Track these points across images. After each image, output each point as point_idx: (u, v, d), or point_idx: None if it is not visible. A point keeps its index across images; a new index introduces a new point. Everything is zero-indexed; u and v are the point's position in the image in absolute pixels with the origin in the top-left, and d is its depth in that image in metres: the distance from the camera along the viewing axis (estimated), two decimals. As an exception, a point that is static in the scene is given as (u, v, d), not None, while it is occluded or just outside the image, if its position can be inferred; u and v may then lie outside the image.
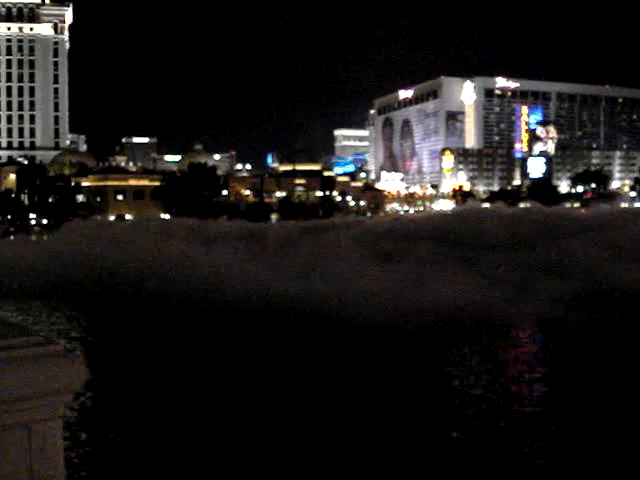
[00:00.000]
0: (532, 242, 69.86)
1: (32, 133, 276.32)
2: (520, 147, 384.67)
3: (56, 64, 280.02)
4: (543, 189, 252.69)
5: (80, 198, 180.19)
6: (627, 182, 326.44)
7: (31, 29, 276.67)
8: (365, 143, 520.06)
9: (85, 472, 21.63)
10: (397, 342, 38.74)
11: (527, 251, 65.98)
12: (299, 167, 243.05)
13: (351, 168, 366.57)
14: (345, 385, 30.83)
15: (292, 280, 52.12)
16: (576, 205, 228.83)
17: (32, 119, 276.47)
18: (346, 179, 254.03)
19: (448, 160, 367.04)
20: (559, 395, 29.91)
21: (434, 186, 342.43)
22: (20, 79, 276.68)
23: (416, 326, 40.62)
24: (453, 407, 27.88)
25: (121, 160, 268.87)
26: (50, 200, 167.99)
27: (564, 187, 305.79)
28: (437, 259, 61.15)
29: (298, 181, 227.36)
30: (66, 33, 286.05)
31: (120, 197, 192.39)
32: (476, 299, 46.10)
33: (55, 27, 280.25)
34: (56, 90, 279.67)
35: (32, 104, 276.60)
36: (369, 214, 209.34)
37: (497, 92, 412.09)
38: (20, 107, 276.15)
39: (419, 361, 35.58)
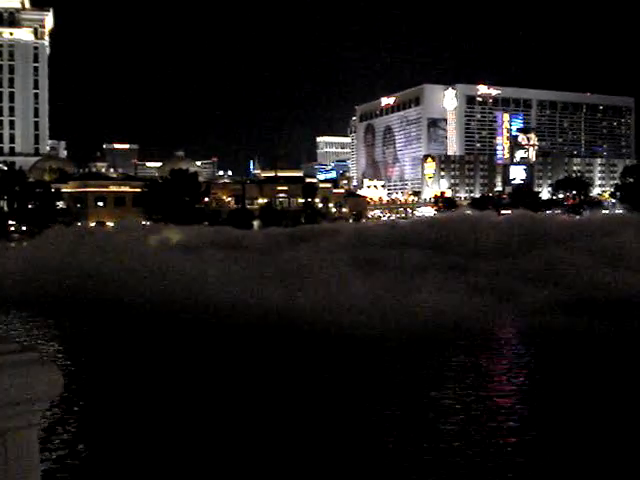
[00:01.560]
0: (526, 249, 69.37)
1: (12, 139, 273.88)
2: (501, 154, 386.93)
3: (36, 69, 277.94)
4: (525, 196, 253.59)
5: (60, 204, 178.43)
6: (607, 189, 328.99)
7: (11, 34, 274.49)
8: (347, 150, 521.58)
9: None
10: (381, 351, 38.13)
11: (517, 258, 65.62)
12: (281, 174, 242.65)
13: (333, 175, 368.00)
14: (328, 396, 30.20)
15: (276, 288, 51.28)
16: (557, 212, 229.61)
17: (12, 125, 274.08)
18: (328, 185, 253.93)
19: (430, 167, 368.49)
20: (542, 403, 29.47)
21: (416, 193, 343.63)
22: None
23: (399, 335, 40.03)
24: (435, 417, 27.29)
25: (102, 166, 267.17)
26: (30, 206, 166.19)
27: (545, 194, 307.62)
28: (424, 266, 60.62)
29: (280, 188, 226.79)
30: (46, 38, 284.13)
31: (100, 204, 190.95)
32: (462, 307, 45.65)
33: (35, 32, 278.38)
34: (36, 96, 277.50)
35: (12, 110, 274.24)
36: (351, 220, 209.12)
37: (479, 99, 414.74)
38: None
39: (402, 370, 34.96)
